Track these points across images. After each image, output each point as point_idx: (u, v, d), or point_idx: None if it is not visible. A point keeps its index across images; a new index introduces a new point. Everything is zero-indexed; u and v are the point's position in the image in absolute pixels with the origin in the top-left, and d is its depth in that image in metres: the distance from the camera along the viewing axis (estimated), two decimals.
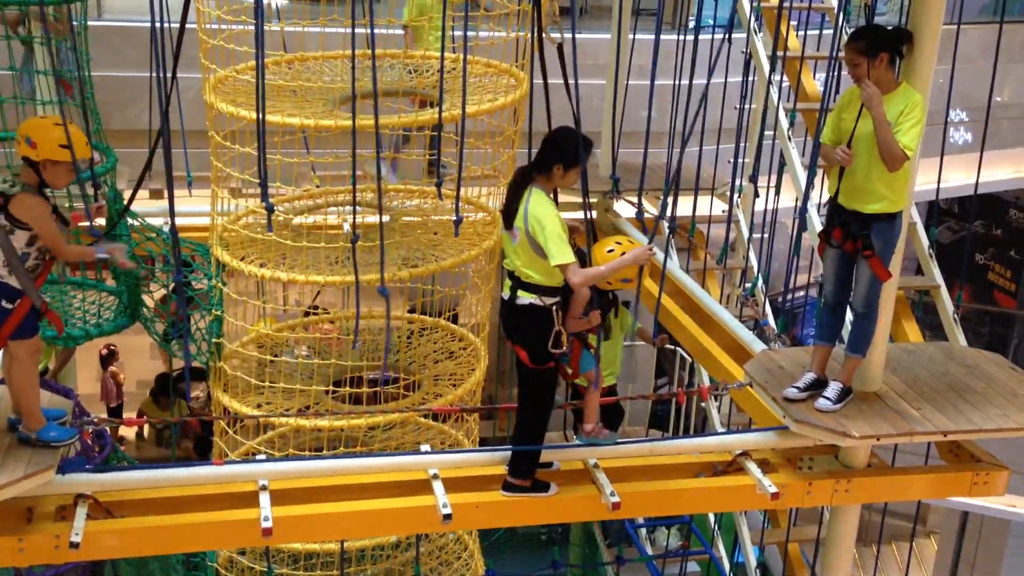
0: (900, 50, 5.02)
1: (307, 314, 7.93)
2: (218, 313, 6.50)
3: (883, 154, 4.89)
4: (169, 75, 4.64)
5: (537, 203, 4.75)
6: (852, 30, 5.25)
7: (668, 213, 6.60)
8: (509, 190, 4.92)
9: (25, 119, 6.61)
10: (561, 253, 4.65)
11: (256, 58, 4.65)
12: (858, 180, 5.10)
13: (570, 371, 5.10)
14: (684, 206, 8.77)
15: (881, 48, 4.93)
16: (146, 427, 11.28)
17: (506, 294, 4.92)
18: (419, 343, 7.29)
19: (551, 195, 4.88)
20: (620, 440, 5.40)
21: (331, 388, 6.64)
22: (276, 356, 6.60)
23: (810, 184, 5.73)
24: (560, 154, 4.77)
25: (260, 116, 4.73)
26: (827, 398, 5.27)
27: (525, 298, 4.83)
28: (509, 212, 4.87)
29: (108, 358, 11.47)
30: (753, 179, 7.04)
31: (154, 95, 4.79)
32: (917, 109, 4.91)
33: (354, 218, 5.17)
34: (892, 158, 4.88)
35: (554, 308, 4.82)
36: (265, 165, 4.78)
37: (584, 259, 5.04)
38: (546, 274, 4.78)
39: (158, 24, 4.50)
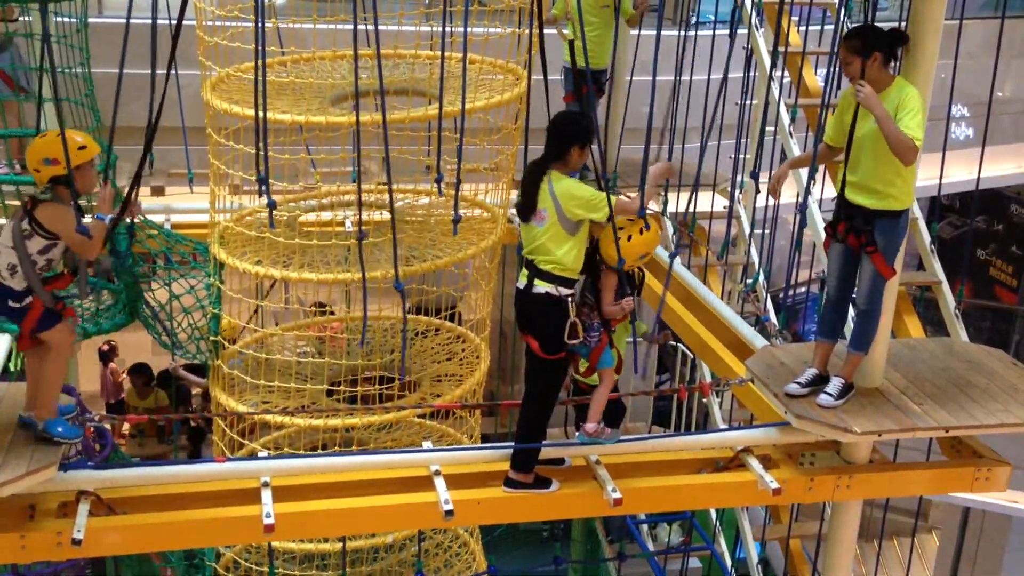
0: (895, 51, 5.01)
1: (319, 313, 7.94)
2: (216, 311, 6.49)
3: (894, 149, 4.85)
4: (165, 72, 4.64)
5: (560, 182, 4.86)
6: (851, 26, 5.24)
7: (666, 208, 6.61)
8: (525, 183, 4.95)
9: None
10: (604, 201, 4.80)
11: (257, 56, 4.65)
12: (861, 178, 5.09)
13: (584, 367, 5.12)
14: (684, 202, 8.79)
15: (875, 47, 4.93)
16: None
17: (522, 283, 4.96)
18: (419, 343, 7.29)
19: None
20: (621, 437, 5.40)
21: (329, 387, 6.64)
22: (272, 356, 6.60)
23: (811, 180, 5.71)
24: (574, 135, 4.88)
25: (260, 114, 4.73)
26: (829, 394, 5.27)
27: (541, 287, 4.88)
28: (528, 203, 4.92)
29: (108, 354, 11.46)
30: (755, 175, 7.02)
31: (134, 91, 4.79)
32: (912, 99, 4.88)
33: (359, 216, 5.17)
34: (904, 150, 4.83)
35: (569, 299, 4.88)
36: (267, 163, 4.77)
37: (595, 247, 5.08)
38: (569, 259, 4.86)
39: (151, 21, 4.49)
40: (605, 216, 4.82)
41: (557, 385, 5.09)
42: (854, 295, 5.43)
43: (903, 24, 5.18)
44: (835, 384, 5.30)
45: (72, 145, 4.42)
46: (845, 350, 5.43)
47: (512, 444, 5.14)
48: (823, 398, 5.27)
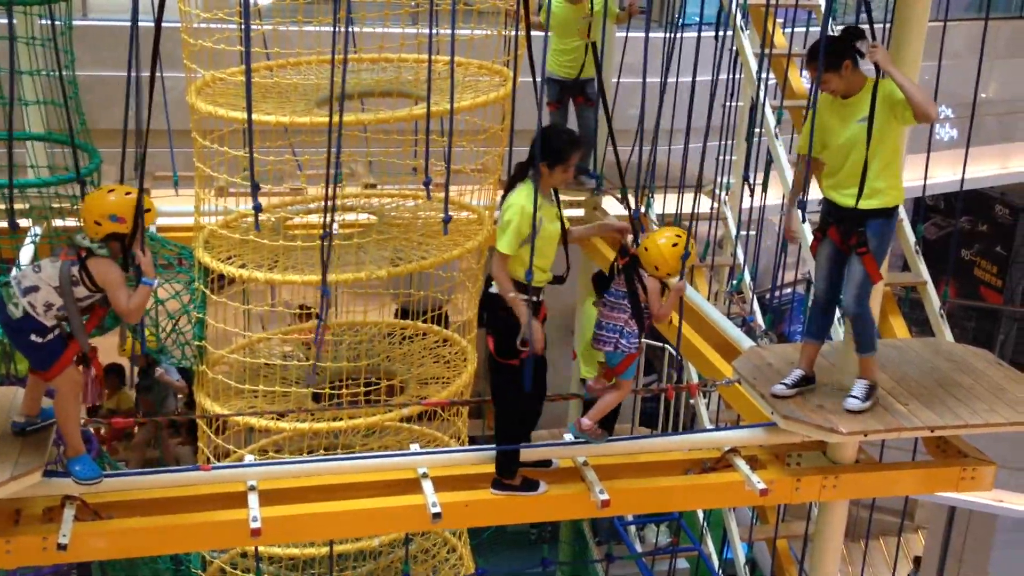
0: (859, 51, 5.03)
1: (300, 316, 7.91)
2: (200, 316, 6.46)
3: (920, 106, 4.79)
4: (149, 74, 4.61)
5: (514, 194, 4.84)
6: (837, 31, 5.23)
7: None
8: (506, 185, 4.97)
9: None
10: (500, 241, 4.77)
11: (244, 59, 4.63)
12: (847, 180, 5.08)
13: (594, 374, 5.13)
14: (669, 204, 8.80)
15: (843, 57, 4.95)
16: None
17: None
18: (406, 346, 7.26)
19: (550, 192, 4.92)
20: (609, 438, 5.40)
21: (315, 392, 6.61)
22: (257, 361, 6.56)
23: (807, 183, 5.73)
24: (543, 153, 4.80)
25: (248, 116, 4.71)
26: (856, 397, 5.22)
27: (494, 287, 4.89)
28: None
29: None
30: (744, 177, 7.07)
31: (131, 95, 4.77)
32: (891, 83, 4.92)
33: (331, 217, 5.12)
34: (928, 105, 4.80)
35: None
36: (253, 165, 4.76)
37: (626, 253, 5.09)
38: (514, 268, 4.83)
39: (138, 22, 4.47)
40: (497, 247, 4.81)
41: (516, 387, 4.93)
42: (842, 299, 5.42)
43: (887, 25, 5.21)
44: (860, 386, 5.25)
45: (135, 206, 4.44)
46: (833, 352, 5.43)
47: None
48: (851, 402, 5.20)
